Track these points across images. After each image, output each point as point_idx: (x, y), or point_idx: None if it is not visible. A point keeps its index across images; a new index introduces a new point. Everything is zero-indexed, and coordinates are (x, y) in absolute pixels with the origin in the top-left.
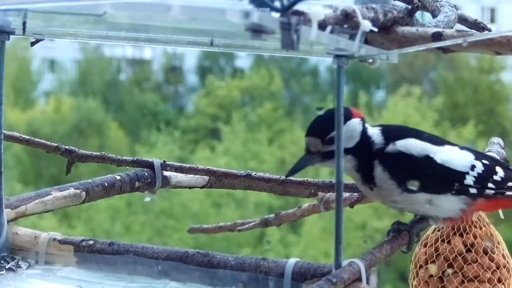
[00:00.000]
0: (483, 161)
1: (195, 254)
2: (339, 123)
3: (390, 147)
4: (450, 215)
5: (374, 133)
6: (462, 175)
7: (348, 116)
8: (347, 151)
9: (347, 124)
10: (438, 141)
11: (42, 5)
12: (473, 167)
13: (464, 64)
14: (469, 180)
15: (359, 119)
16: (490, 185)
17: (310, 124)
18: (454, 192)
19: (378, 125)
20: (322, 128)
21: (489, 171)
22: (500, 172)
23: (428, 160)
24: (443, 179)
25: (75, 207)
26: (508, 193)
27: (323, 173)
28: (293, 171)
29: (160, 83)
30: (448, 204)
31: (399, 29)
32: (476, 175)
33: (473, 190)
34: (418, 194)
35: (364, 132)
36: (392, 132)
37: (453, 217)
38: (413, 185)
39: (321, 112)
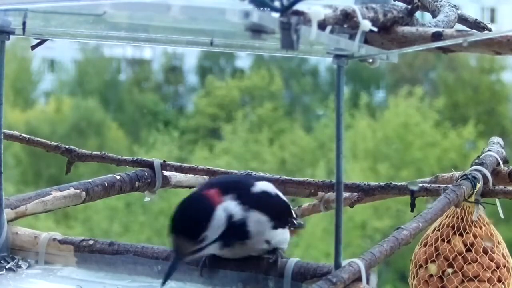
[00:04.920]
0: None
1: None
2: (339, 123)
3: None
4: (285, 246)
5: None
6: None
7: (211, 205)
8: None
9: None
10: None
11: (42, 5)
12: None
13: (464, 64)
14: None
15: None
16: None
17: (174, 220)
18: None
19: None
20: (193, 229)
21: None
22: None
23: (279, 195)
24: (287, 212)
25: (73, 207)
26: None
27: (322, 173)
28: (166, 277)
29: (160, 83)
30: (286, 234)
31: (399, 29)
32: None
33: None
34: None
35: (229, 218)
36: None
37: (285, 248)
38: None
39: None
